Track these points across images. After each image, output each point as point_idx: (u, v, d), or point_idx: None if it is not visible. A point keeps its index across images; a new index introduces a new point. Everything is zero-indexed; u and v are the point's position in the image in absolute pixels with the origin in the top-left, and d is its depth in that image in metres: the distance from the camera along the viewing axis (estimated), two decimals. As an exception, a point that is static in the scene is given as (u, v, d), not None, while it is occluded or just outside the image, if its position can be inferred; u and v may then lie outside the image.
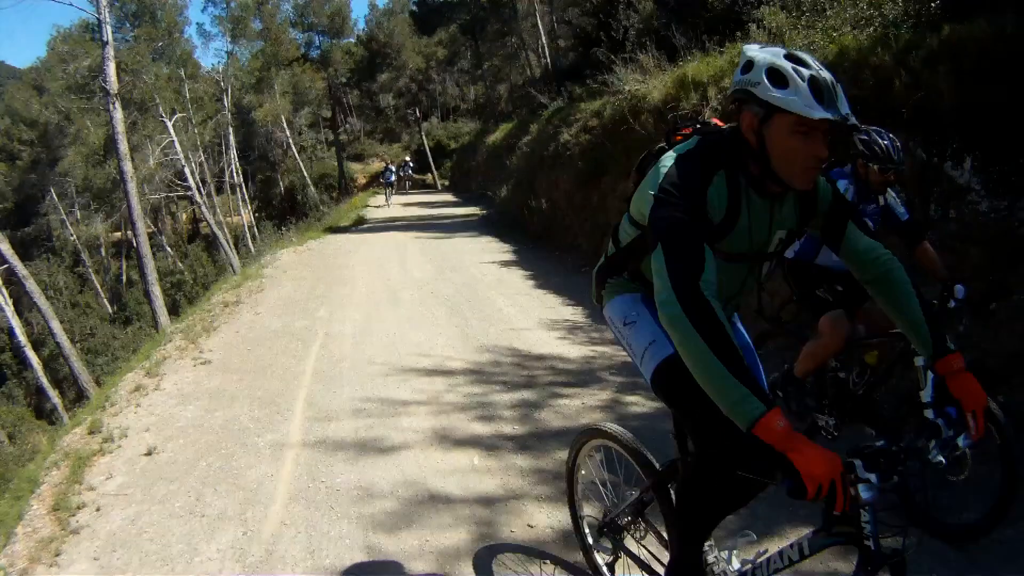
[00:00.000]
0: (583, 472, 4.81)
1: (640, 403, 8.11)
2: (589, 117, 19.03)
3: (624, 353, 4.46)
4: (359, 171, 73.23)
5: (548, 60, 39.94)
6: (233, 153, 59.45)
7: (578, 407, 8.18)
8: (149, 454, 7.70)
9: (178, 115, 46.26)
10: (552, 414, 8.04)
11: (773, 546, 3.78)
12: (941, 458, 2.79)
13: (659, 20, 18.78)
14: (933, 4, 8.89)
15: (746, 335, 3.98)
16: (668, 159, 3.12)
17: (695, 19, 15.44)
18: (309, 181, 65.47)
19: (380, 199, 44.11)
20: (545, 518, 5.87)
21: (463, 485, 6.53)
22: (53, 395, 29.26)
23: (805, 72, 2.80)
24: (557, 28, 42.39)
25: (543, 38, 40.99)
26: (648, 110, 13.93)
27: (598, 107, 18.51)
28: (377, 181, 50.72)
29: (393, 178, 44.59)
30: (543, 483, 6.47)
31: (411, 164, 54.03)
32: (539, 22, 40.69)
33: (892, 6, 9.54)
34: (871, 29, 9.21)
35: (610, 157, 16.27)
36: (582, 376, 9.08)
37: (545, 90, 30.62)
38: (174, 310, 31.30)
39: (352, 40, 70.12)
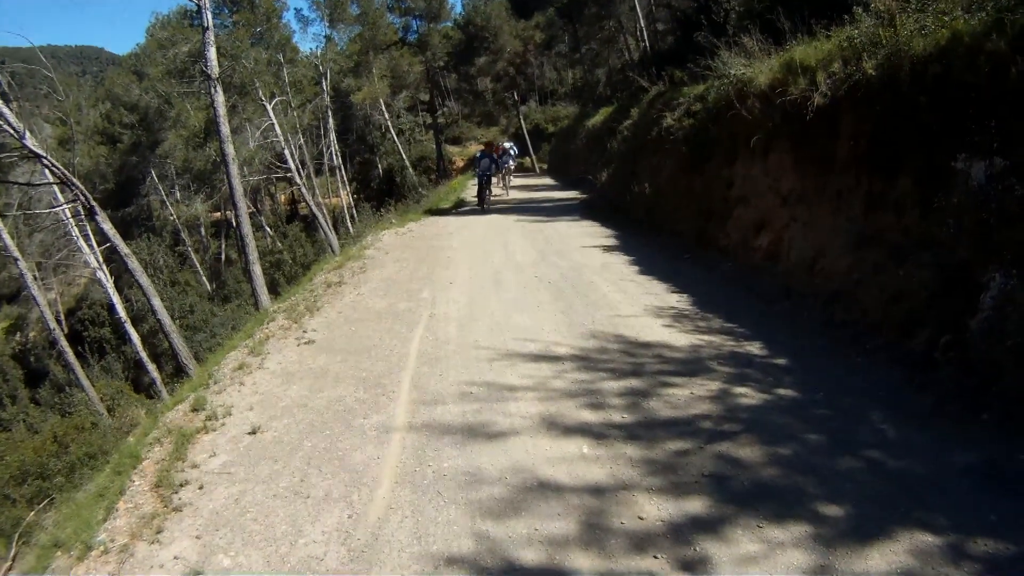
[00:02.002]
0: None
1: (750, 395, 7.94)
2: (692, 101, 18.76)
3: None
4: (457, 154, 73.76)
5: (647, 44, 39.47)
6: (332, 136, 60.13)
7: (687, 397, 8.02)
8: (253, 433, 7.78)
9: (277, 99, 46.62)
10: (661, 403, 7.90)
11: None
12: None
13: (762, 3, 18.45)
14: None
15: None
16: None
17: (799, 2, 15.15)
18: (407, 163, 65.94)
19: (473, 189, 33.52)
20: (656, 510, 5.78)
21: (572, 473, 6.46)
22: (152, 369, 29.72)
23: None
24: (655, 11, 41.97)
25: (641, 21, 40.51)
26: (754, 94, 13.66)
27: (701, 91, 18.22)
28: (474, 165, 34.94)
29: (492, 172, 30.17)
30: (653, 474, 6.36)
31: (513, 149, 39.44)
32: (637, 5, 40.16)
33: (1006, -10, 9.22)
34: (983, 14, 8.89)
35: (715, 142, 16.03)
36: (690, 365, 8.91)
37: (644, 74, 30.20)
38: (273, 289, 31.67)
39: (449, 24, 70.14)
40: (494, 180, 31.77)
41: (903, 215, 9.42)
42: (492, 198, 30.53)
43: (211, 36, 26.25)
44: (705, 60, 16.28)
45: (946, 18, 9.34)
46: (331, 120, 59.94)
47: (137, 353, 30.63)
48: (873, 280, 9.68)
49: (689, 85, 20.60)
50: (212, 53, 26.08)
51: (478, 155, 31.39)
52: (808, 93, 11.52)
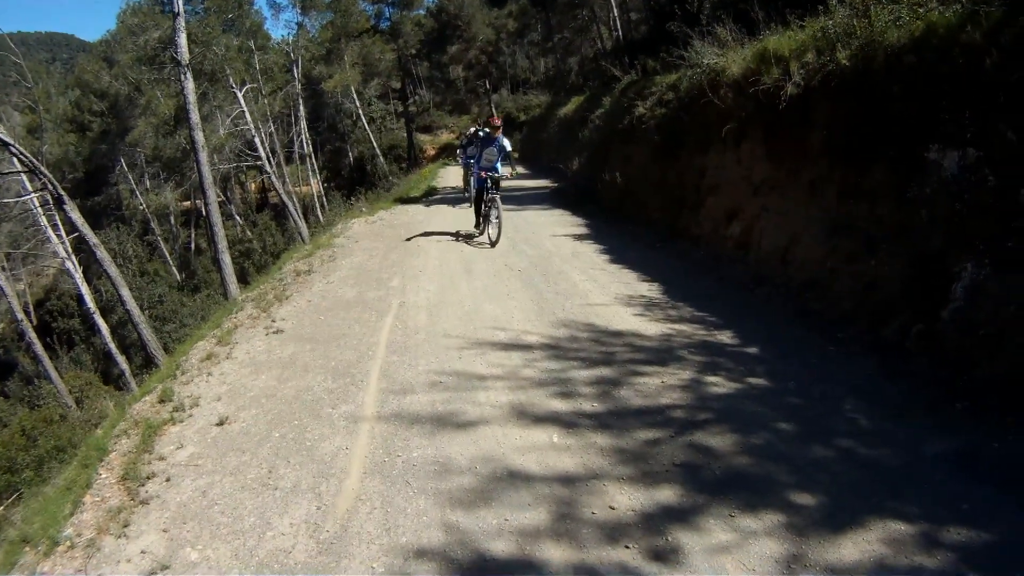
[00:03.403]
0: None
1: (722, 384, 7.93)
2: (665, 91, 18.75)
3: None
4: (428, 142, 73.74)
5: (620, 33, 39.55)
6: (303, 123, 59.95)
7: (658, 386, 7.99)
8: (221, 424, 7.70)
9: (248, 86, 46.40)
10: (632, 392, 7.87)
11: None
12: None
13: (736, -7, 18.52)
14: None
15: None
16: None
17: (773, -8, 15.19)
18: (378, 152, 65.97)
19: (453, 176, 30.21)
20: (627, 500, 5.75)
21: (542, 463, 6.43)
22: (121, 360, 29.58)
23: None
24: (629, 1, 42.03)
25: (615, 11, 40.61)
26: (727, 84, 13.69)
27: (674, 80, 18.22)
28: (446, 153, 26.79)
29: (499, 167, 17.61)
30: (624, 463, 6.33)
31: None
32: (610, -6, 40.36)
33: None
34: (958, 6, 8.91)
35: (687, 131, 16.05)
36: (661, 354, 8.87)
37: (617, 63, 30.29)
38: (243, 278, 31.61)
39: (422, 12, 70.29)
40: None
41: (876, 205, 9.45)
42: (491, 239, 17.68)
43: (182, 22, 26.20)
44: (678, 50, 16.31)
45: (921, 10, 9.37)
46: (302, 108, 59.77)
47: (106, 344, 30.50)
48: (846, 269, 9.72)
49: (662, 74, 20.65)
50: (183, 39, 26.03)
51: (473, 137, 21.98)
52: (781, 83, 11.54)
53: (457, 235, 18.18)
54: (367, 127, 67.16)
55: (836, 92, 10.39)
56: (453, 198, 27.74)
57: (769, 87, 11.78)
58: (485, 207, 17.57)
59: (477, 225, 18.18)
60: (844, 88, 10.21)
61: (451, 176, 38.41)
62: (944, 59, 8.40)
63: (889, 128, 9.22)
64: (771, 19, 13.59)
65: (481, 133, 19.22)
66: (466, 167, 23.68)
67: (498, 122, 18.19)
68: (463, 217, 20.31)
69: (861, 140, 9.83)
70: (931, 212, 8.36)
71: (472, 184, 20.17)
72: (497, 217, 17.12)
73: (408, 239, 18.33)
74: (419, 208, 25.79)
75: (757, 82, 12.12)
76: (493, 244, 16.99)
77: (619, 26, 40.07)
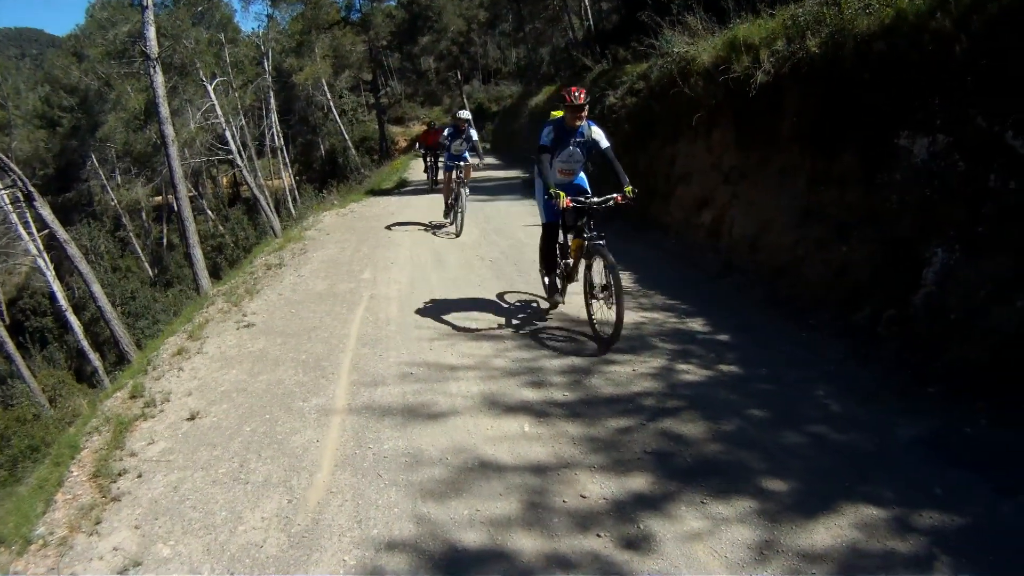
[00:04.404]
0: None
1: (693, 371, 7.95)
2: (635, 80, 18.69)
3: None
4: (400, 134, 73.62)
5: (591, 23, 39.57)
6: (274, 116, 59.79)
7: (629, 374, 8.03)
8: (192, 419, 7.63)
9: (218, 79, 46.31)
10: (603, 381, 7.89)
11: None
12: None
13: (707, -18, 18.53)
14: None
15: None
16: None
17: (745, -19, 15.19)
18: (350, 144, 65.92)
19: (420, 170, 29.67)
20: (598, 488, 5.75)
21: (513, 452, 6.43)
22: (94, 358, 29.51)
23: None
24: (600, -10, 42.10)
25: (586, 0, 40.60)
26: (697, 72, 13.69)
27: (644, 70, 18.18)
28: (419, 145, 26.26)
29: (467, 156, 18.47)
30: (595, 452, 6.34)
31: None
32: (581, -16, 40.39)
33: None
34: (928, -7, 8.95)
35: (657, 120, 16.03)
36: (632, 342, 8.87)
37: (588, 53, 30.31)
38: (215, 273, 31.44)
39: (392, 3, 70.10)
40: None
41: (846, 191, 9.46)
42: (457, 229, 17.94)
43: (150, 15, 26.00)
44: (649, 39, 16.32)
45: (891, -4, 9.38)
46: (273, 101, 59.64)
47: (79, 342, 30.42)
48: (817, 256, 9.73)
49: (632, 64, 20.66)
50: (151, 33, 25.83)
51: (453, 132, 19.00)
52: (751, 71, 11.54)
53: (428, 225, 18.18)
54: (339, 119, 67.02)
55: (806, 80, 10.38)
56: (425, 190, 27.66)
57: (739, 75, 11.78)
58: (453, 197, 17.88)
59: (447, 215, 18.43)
60: (814, 76, 10.21)
61: (422, 168, 38.42)
62: (914, 46, 8.40)
63: (859, 115, 9.24)
64: (742, 8, 13.59)
65: (448, 130, 18.83)
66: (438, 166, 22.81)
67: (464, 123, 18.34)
68: (435, 208, 20.22)
69: (831, 127, 9.84)
70: (901, 198, 8.38)
71: (440, 175, 20.34)
72: (462, 208, 17.51)
73: (380, 231, 18.24)
74: (391, 200, 25.69)
75: (727, 70, 12.12)
76: (458, 234, 17.26)
77: (590, 16, 40.10)
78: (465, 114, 18.33)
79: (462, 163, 17.88)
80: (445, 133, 18.68)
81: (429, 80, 76.93)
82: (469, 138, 18.06)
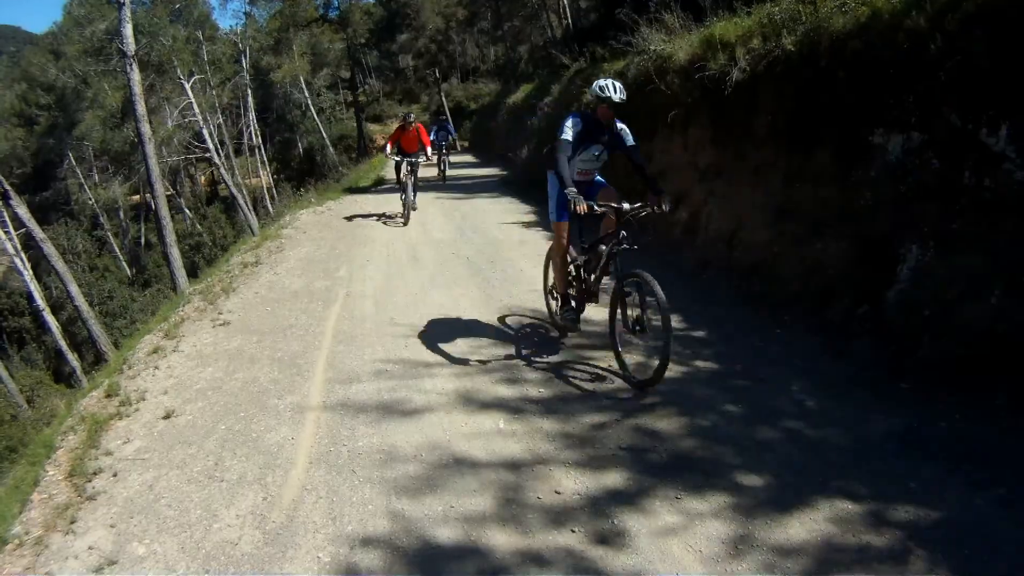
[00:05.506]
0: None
1: (668, 367, 7.89)
2: (612, 78, 18.69)
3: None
4: (378, 132, 73.37)
5: (569, 21, 39.62)
6: (252, 115, 59.67)
7: (604, 370, 8.09)
8: (167, 417, 7.57)
9: (196, 77, 46.19)
10: (577, 377, 7.96)
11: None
12: None
13: (684, -20, 18.57)
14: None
15: None
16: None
17: (721, -21, 15.24)
18: (328, 142, 65.80)
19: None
20: (573, 484, 5.75)
21: (488, 449, 6.43)
22: (72, 358, 29.37)
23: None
24: (578, -12, 42.13)
25: (564, -1, 40.69)
26: (674, 70, 13.73)
27: (621, 67, 18.16)
28: (387, 150, 25.89)
29: (426, 155, 20.04)
30: (570, 448, 6.36)
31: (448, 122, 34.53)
32: (560, -18, 40.39)
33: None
34: (904, -9, 9.01)
35: (634, 117, 16.03)
36: (607, 339, 8.78)
37: (566, 51, 30.31)
38: (193, 272, 31.32)
39: (371, 0, 69.95)
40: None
41: (821, 189, 9.51)
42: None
43: (127, 12, 25.89)
44: (626, 36, 16.33)
45: (866, -5, 9.42)
46: (251, 99, 59.48)
47: (57, 342, 30.29)
48: (791, 252, 9.76)
49: (610, 61, 20.66)
50: (128, 30, 25.72)
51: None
52: (727, 69, 11.58)
53: (406, 223, 18.18)
54: (316, 117, 66.89)
55: (781, 77, 10.44)
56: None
57: (715, 73, 11.82)
58: (403, 192, 19.08)
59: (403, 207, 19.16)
60: (789, 73, 10.27)
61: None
62: (889, 45, 8.46)
63: (834, 113, 9.30)
64: (718, 6, 13.63)
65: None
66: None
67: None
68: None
69: (806, 125, 9.89)
70: (876, 195, 8.44)
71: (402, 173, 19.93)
72: (411, 200, 19.03)
73: (356, 228, 18.26)
74: (368, 198, 25.62)
75: (703, 68, 12.16)
76: (406, 223, 18.52)
77: (568, 14, 40.12)
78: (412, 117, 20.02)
79: (415, 160, 19.43)
80: (432, 137, 20.30)
81: (407, 78, 76.98)
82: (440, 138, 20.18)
